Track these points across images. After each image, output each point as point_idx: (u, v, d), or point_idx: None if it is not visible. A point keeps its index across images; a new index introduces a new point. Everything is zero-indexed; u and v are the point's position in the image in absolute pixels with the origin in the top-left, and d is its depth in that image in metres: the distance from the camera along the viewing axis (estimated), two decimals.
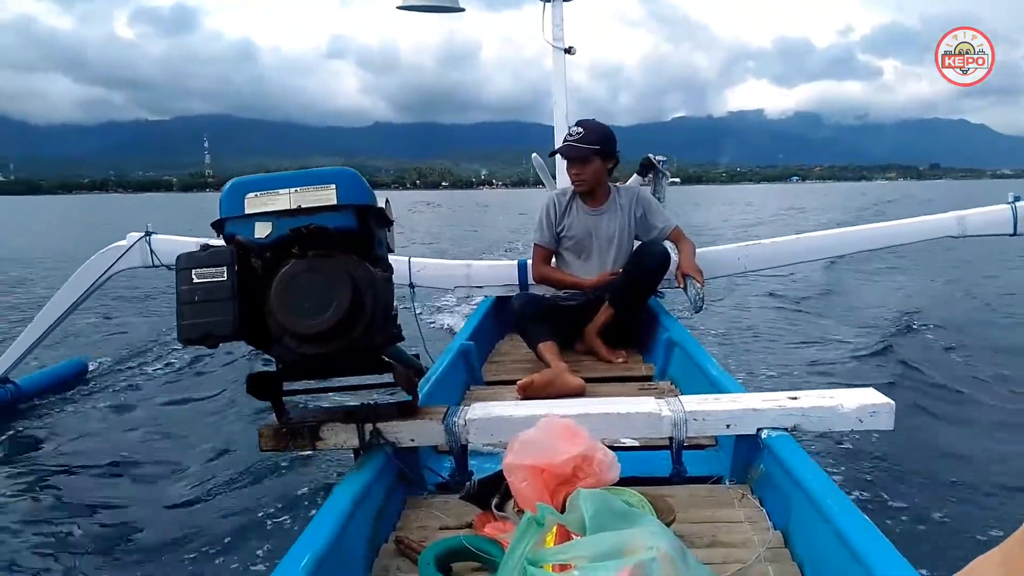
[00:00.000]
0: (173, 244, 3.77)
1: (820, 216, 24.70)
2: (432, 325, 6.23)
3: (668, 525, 1.29)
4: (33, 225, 32.78)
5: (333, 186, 1.48)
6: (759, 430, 1.72)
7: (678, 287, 3.26)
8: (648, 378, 2.89)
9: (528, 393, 2.38)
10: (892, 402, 1.71)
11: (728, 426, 1.74)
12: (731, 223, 22.10)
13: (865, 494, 2.68)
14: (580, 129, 3.18)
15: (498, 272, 3.85)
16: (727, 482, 1.82)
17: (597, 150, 3.17)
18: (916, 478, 2.88)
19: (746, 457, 1.79)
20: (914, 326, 5.91)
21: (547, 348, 2.87)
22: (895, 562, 1.18)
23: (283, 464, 3.11)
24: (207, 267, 1.39)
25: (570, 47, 4.31)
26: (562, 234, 3.32)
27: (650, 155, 4.03)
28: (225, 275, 1.39)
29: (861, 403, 1.71)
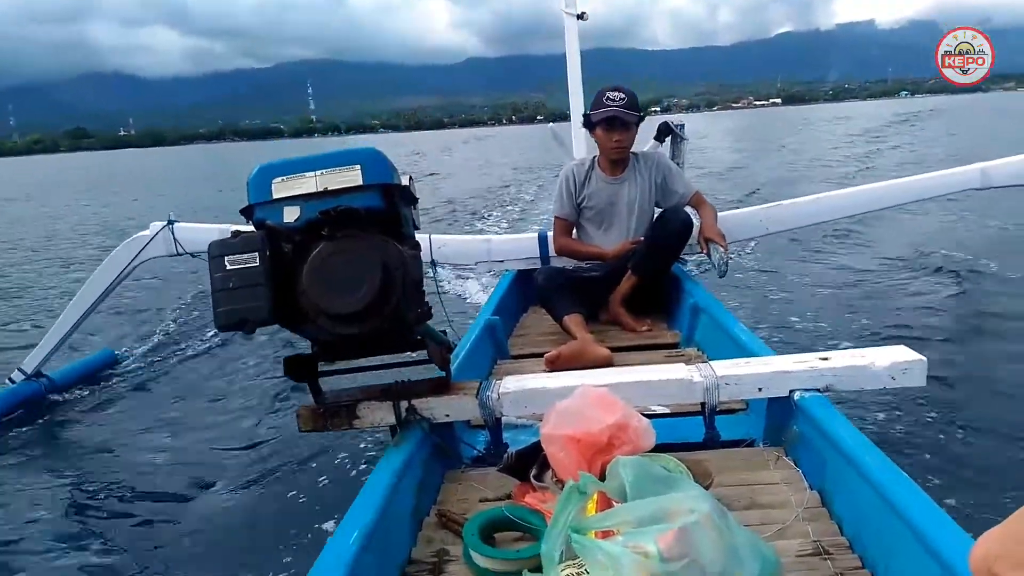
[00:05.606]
0: (196, 232, 3.81)
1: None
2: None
3: (706, 489, 1.31)
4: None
5: (358, 167, 1.48)
6: (791, 392, 1.72)
7: (701, 253, 3.24)
8: (674, 345, 2.89)
9: (556, 366, 2.39)
10: (924, 358, 1.70)
11: (760, 389, 1.74)
12: None
13: (899, 452, 2.67)
14: (622, 95, 3.11)
15: (519, 245, 3.84)
16: (761, 445, 1.83)
17: (639, 117, 3.16)
18: (950, 434, 2.85)
19: (779, 419, 1.79)
20: (950, 274, 5.60)
21: (572, 320, 2.86)
22: (935, 516, 1.18)
23: (320, 443, 3.14)
24: (239, 253, 1.40)
25: (583, 12, 4.27)
26: (583, 204, 3.29)
27: (667, 120, 4.00)
28: (257, 260, 1.40)
29: (893, 360, 1.70)
